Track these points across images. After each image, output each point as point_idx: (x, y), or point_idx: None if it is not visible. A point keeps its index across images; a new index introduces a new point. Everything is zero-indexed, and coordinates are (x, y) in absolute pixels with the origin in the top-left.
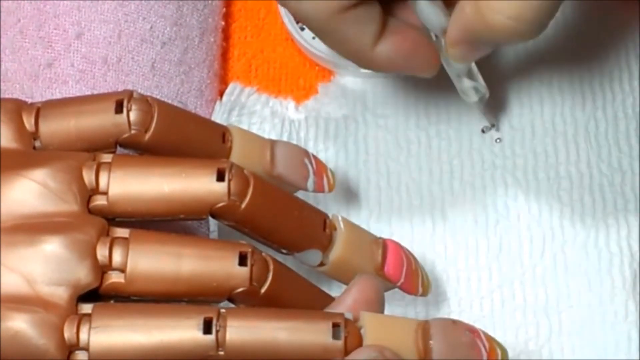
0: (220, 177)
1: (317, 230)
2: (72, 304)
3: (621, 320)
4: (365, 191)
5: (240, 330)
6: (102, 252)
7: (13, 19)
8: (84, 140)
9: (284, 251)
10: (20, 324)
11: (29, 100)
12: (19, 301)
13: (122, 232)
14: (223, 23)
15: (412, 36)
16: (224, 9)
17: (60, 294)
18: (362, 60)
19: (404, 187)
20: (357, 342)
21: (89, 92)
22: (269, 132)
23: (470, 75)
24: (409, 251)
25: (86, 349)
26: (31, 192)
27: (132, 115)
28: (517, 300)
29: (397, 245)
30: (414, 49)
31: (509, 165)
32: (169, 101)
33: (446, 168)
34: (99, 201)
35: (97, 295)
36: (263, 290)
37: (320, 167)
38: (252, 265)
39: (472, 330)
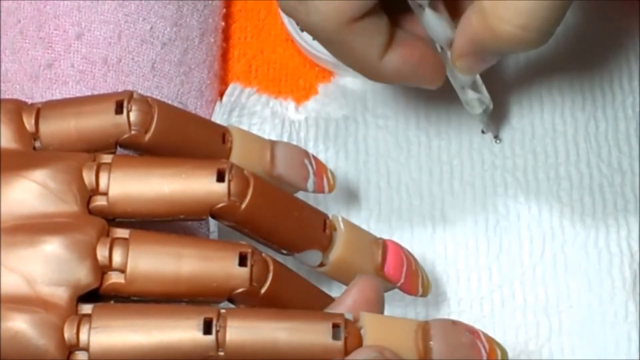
0: (220, 178)
1: (317, 231)
2: (72, 304)
3: (621, 320)
4: (365, 191)
5: (240, 330)
6: (102, 253)
7: (13, 19)
8: (84, 140)
9: (284, 251)
10: (20, 324)
11: (29, 101)
12: (19, 301)
13: (122, 232)
14: (223, 24)
15: (419, 48)
16: (224, 10)
17: (60, 294)
18: (369, 71)
19: (404, 187)
20: (357, 342)
21: (89, 93)
22: (269, 132)
23: (474, 87)
24: (409, 251)
25: (86, 349)
26: (31, 192)
27: (132, 116)
28: (517, 300)
29: (397, 246)
30: (421, 61)
31: (509, 165)
32: (169, 102)
33: (446, 168)
34: (99, 202)
35: (97, 295)
36: (263, 290)
37: (320, 168)
38: (252, 266)
39: (472, 331)
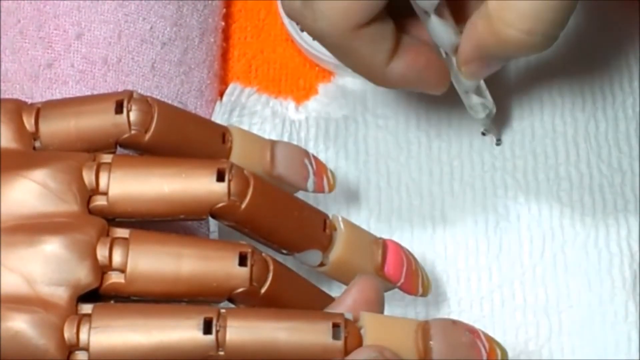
0: (220, 178)
1: (317, 231)
2: (72, 304)
3: (621, 320)
4: (365, 191)
5: (240, 330)
6: (102, 253)
7: (13, 19)
8: (84, 140)
9: (284, 251)
10: (20, 324)
11: (29, 101)
12: (19, 301)
13: (122, 232)
14: (223, 23)
15: (424, 53)
16: (224, 10)
17: (60, 294)
18: (375, 77)
19: (404, 187)
20: (357, 342)
21: (89, 93)
22: (269, 132)
23: (478, 92)
24: (409, 251)
25: (86, 349)
26: (31, 192)
27: (132, 116)
28: (517, 300)
29: (397, 246)
30: (426, 67)
31: (508, 166)
32: (169, 101)
33: (446, 169)
34: (99, 201)
35: (97, 295)
36: (263, 290)
37: (320, 168)
38: (252, 266)
39: (472, 331)
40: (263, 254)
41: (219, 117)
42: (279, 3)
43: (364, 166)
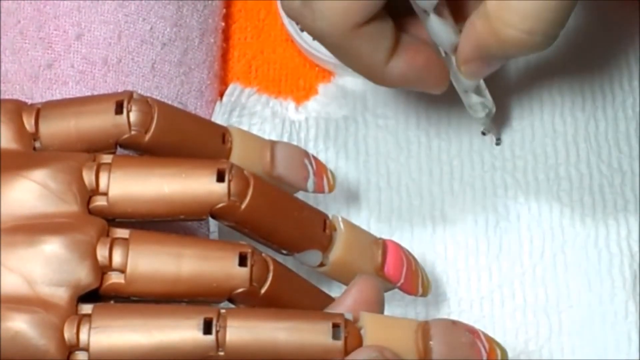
0: (220, 178)
1: (317, 231)
2: (72, 304)
3: (621, 320)
4: (365, 192)
5: (240, 330)
6: (102, 253)
7: (13, 19)
8: (84, 141)
9: (284, 252)
10: (20, 324)
11: (29, 101)
12: (19, 302)
13: (122, 232)
14: (223, 24)
15: (424, 52)
16: (224, 10)
17: (60, 294)
18: (374, 76)
19: (404, 187)
20: (357, 342)
21: (89, 93)
22: (269, 132)
23: (478, 92)
24: (409, 252)
25: (86, 349)
26: (31, 192)
27: (132, 116)
28: (517, 300)
29: (397, 246)
30: (426, 66)
31: (508, 166)
32: (169, 102)
33: (446, 169)
34: (99, 202)
35: (97, 295)
36: (263, 290)
37: (320, 168)
38: (252, 266)
39: (472, 331)
40: (263, 254)
41: (218, 117)
42: (278, 3)
43: (364, 166)
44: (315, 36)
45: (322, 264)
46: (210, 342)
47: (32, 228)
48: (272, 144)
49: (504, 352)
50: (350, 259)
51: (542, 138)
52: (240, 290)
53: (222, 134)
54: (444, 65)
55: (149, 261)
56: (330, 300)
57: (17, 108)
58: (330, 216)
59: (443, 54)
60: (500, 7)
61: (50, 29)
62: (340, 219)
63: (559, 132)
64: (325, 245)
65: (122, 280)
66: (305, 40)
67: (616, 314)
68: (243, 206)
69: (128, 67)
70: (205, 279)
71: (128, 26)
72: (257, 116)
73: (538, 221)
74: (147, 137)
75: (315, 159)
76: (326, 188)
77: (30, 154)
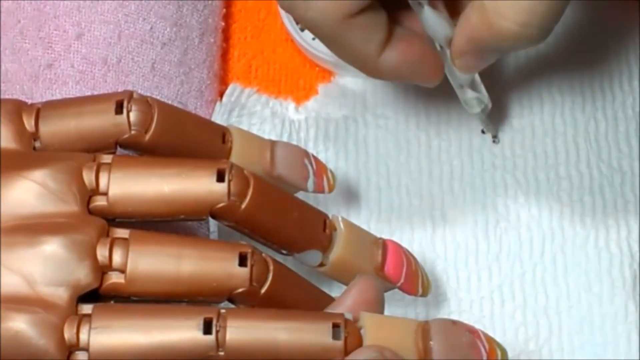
0: (220, 178)
1: (317, 231)
2: (72, 304)
3: (621, 320)
4: (365, 191)
5: (240, 330)
6: (102, 253)
7: (13, 19)
8: (84, 140)
9: (284, 251)
10: (20, 324)
11: (29, 101)
12: (19, 301)
13: (122, 232)
14: (223, 24)
15: (417, 45)
16: (224, 10)
17: (60, 294)
18: (367, 68)
19: (403, 187)
20: (357, 342)
21: (89, 93)
22: (269, 132)
23: (473, 86)
24: (409, 251)
25: (86, 349)
26: (31, 192)
27: (132, 116)
28: (517, 300)
29: (397, 246)
30: (419, 58)
31: (508, 165)
32: (169, 102)
33: (446, 168)
34: (99, 202)
35: (97, 295)
36: (263, 290)
37: (320, 168)
38: (252, 266)
39: (472, 331)
40: (263, 254)
41: (218, 117)
42: (279, 3)
43: (364, 166)
44: (308, 27)
45: (322, 264)
46: (210, 342)
47: (32, 228)
48: (272, 143)
49: (504, 352)
50: (350, 259)
51: (542, 138)
52: (240, 290)
53: (222, 134)
54: (438, 58)
55: (149, 261)
56: (330, 300)
57: (17, 108)
58: (330, 216)
59: (438, 48)
60: (495, 1)
61: (50, 29)
62: (340, 218)
63: (559, 132)
64: (325, 245)
65: (122, 280)
66: (305, 40)
67: (616, 315)
68: (243, 206)
69: (128, 67)
70: (205, 279)
71: (128, 26)
72: (257, 116)
73: (538, 221)
74: (147, 137)
75: (315, 158)
76: (326, 188)
77: (30, 154)
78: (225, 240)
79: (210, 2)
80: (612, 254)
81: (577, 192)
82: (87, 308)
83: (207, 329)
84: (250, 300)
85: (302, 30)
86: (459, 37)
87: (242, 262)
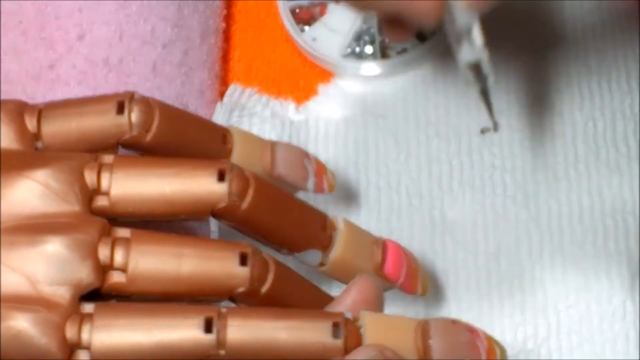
0: (221, 178)
1: (317, 231)
2: (73, 303)
3: (619, 320)
4: (365, 191)
5: (241, 329)
6: (103, 252)
7: (15, 20)
8: (85, 141)
9: (284, 251)
10: (22, 323)
11: (31, 102)
12: (21, 301)
13: (123, 232)
14: (224, 25)
15: None
16: (225, 11)
17: (62, 293)
18: None
19: (403, 187)
20: (356, 341)
21: (90, 93)
22: (269, 133)
23: (470, 40)
24: (408, 251)
25: (88, 348)
26: (33, 192)
27: (134, 117)
28: (516, 299)
29: (397, 245)
30: None
31: (508, 165)
32: (170, 102)
33: (445, 168)
34: (101, 202)
35: (98, 295)
36: (263, 290)
37: (320, 168)
38: (252, 266)
39: (472, 330)
40: (264, 254)
41: (219, 117)
42: (279, 4)
43: (364, 166)
44: None
45: (322, 264)
46: (211, 341)
47: (34, 228)
48: (273, 144)
49: (503, 351)
50: (350, 259)
51: (541, 138)
52: (240, 289)
53: (223, 134)
54: None
55: (150, 261)
56: (330, 300)
57: (19, 108)
58: (330, 216)
59: None
60: None
61: (51, 30)
62: (340, 218)
63: (557, 132)
64: (325, 244)
65: (123, 280)
66: (305, 41)
67: (614, 314)
68: (244, 206)
69: (129, 67)
70: (206, 279)
71: (129, 27)
72: (257, 116)
73: (537, 221)
74: (148, 137)
75: (315, 159)
76: (326, 188)
77: (32, 154)
78: (226, 240)
79: (210, 3)
80: (610, 254)
81: (575, 192)
82: (88, 307)
83: (207, 328)
84: (251, 300)
85: (302, 30)
86: None
87: (243, 261)
